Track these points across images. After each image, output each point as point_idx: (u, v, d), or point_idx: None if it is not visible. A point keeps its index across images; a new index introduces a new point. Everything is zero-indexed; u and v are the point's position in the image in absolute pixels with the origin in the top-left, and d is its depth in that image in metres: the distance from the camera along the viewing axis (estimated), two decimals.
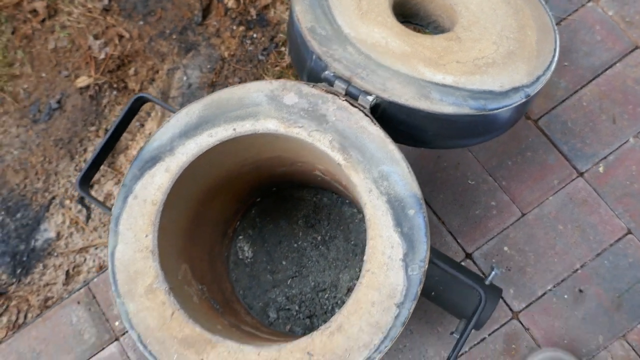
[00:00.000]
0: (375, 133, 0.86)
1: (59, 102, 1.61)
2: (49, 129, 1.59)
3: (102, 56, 1.62)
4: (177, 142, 0.90)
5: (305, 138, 0.88)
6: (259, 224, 1.27)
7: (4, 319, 1.48)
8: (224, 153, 0.94)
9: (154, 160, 0.90)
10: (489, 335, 1.28)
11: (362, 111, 0.88)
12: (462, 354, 1.27)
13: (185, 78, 1.58)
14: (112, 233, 0.89)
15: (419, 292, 0.80)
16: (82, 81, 1.61)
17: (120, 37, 1.63)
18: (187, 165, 0.89)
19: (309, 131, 0.88)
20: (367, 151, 0.86)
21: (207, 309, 0.96)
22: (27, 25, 1.69)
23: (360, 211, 1.24)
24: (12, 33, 1.70)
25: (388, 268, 0.81)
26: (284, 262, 1.24)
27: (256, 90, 0.90)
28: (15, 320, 1.47)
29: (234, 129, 0.89)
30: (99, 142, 1.08)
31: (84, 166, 0.95)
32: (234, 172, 1.04)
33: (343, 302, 1.20)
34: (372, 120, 0.87)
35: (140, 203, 0.89)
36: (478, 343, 1.28)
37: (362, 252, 1.23)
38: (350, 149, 0.86)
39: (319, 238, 1.24)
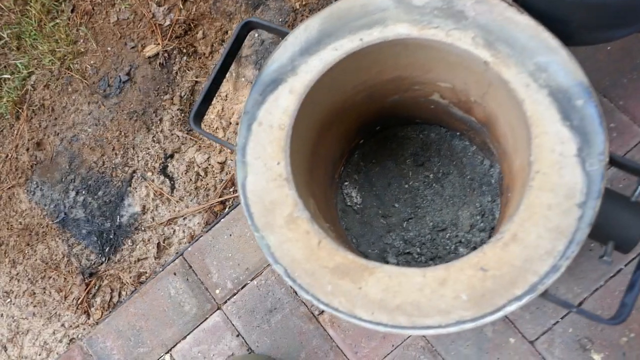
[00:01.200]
0: (524, 22, 0.77)
1: (128, 74, 1.55)
2: (121, 102, 1.54)
3: (167, 23, 1.56)
4: (298, 61, 0.82)
5: (443, 39, 0.79)
6: (364, 168, 1.18)
7: (98, 299, 1.43)
8: (346, 72, 0.86)
9: (275, 82, 0.82)
10: (625, 265, 1.17)
11: (505, 1, 0.78)
12: (597, 289, 1.16)
13: (257, 35, 1.50)
14: (239, 165, 0.81)
15: (603, 190, 0.70)
16: (150, 50, 1.55)
17: (184, 0, 1.57)
18: (314, 84, 0.81)
19: (447, 30, 0.79)
20: (517, 43, 0.76)
21: (344, 241, 0.88)
22: (86, 1, 1.64)
23: (473, 143, 1.14)
24: (72, 11, 1.65)
25: (561, 166, 0.72)
26: (396, 205, 1.15)
27: None
28: (109, 300, 1.42)
29: (361, 39, 0.81)
30: (209, 75, 0.99)
31: (196, 102, 0.88)
32: (348, 99, 0.96)
33: (467, 241, 1.11)
34: (518, 10, 0.77)
35: (266, 129, 0.81)
36: (614, 275, 1.17)
37: (480, 186, 1.13)
38: (497, 44, 0.77)
39: (431, 176, 1.15)
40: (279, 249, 0.77)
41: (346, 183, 1.17)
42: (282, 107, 0.81)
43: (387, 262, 1.13)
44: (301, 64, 0.82)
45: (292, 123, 0.80)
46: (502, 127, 0.90)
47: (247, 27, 0.91)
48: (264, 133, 0.81)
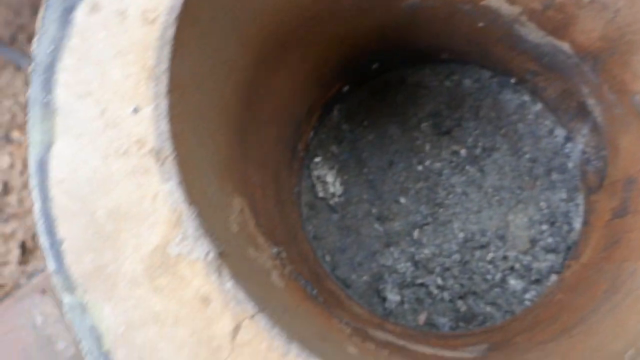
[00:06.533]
0: None
1: None
2: None
3: None
4: None
5: None
6: (348, 134, 0.69)
7: None
8: None
9: None
10: None
11: None
12: None
13: None
14: (36, 111, 0.31)
15: None
16: None
17: None
18: None
19: None
20: None
21: (303, 301, 0.39)
22: None
23: (538, 97, 0.66)
24: None
25: None
26: (402, 200, 0.67)
27: None
28: None
29: None
30: None
31: None
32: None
33: (525, 267, 0.64)
34: None
35: (111, 22, 0.31)
36: None
37: (548, 173, 0.66)
38: None
39: (464, 152, 0.67)
40: (125, 344, 0.28)
41: (317, 160, 0.69)
42: None
43: (383, 299, 0.65)
44: None
45: (180, 6, 0.31)
46: None
47: None
48: (104, 32, 0.31)
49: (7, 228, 0.93)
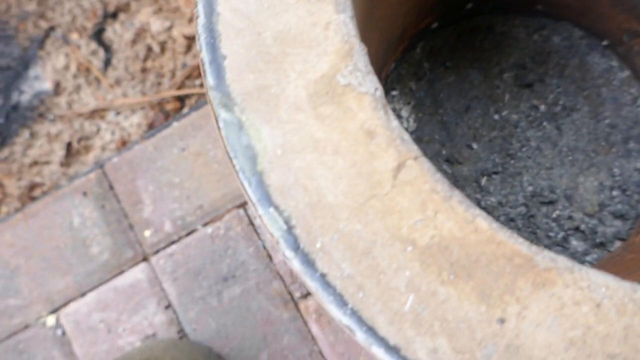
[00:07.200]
0: None
1: None
2: None
3: None
4: None
5: None
6: (428, 73, 0.68)
7: None
8: None
9: None
10: None
11: None
12: None
13: None
14: None
15: None
16: None
17: None
18: None
19: None
20: None
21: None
22: None
23: (627, 64, 0.65)
24: None
25: None
26: (474, 146, 0.66)
27: None
28: None
29: None
30: None
31: None
32: None
33: (590, 230, 0.63)
34: None
35: None
36: None
37: (625, 141, 0.65)
38: None
39: (543, 108, 0.66)
40: (281, 166, 0.27)
41: (394, 93, 0.67)
42: None
43: None
44: None
45: None
46: None
47: None
48: None
49: (53, 128, 0.92)
